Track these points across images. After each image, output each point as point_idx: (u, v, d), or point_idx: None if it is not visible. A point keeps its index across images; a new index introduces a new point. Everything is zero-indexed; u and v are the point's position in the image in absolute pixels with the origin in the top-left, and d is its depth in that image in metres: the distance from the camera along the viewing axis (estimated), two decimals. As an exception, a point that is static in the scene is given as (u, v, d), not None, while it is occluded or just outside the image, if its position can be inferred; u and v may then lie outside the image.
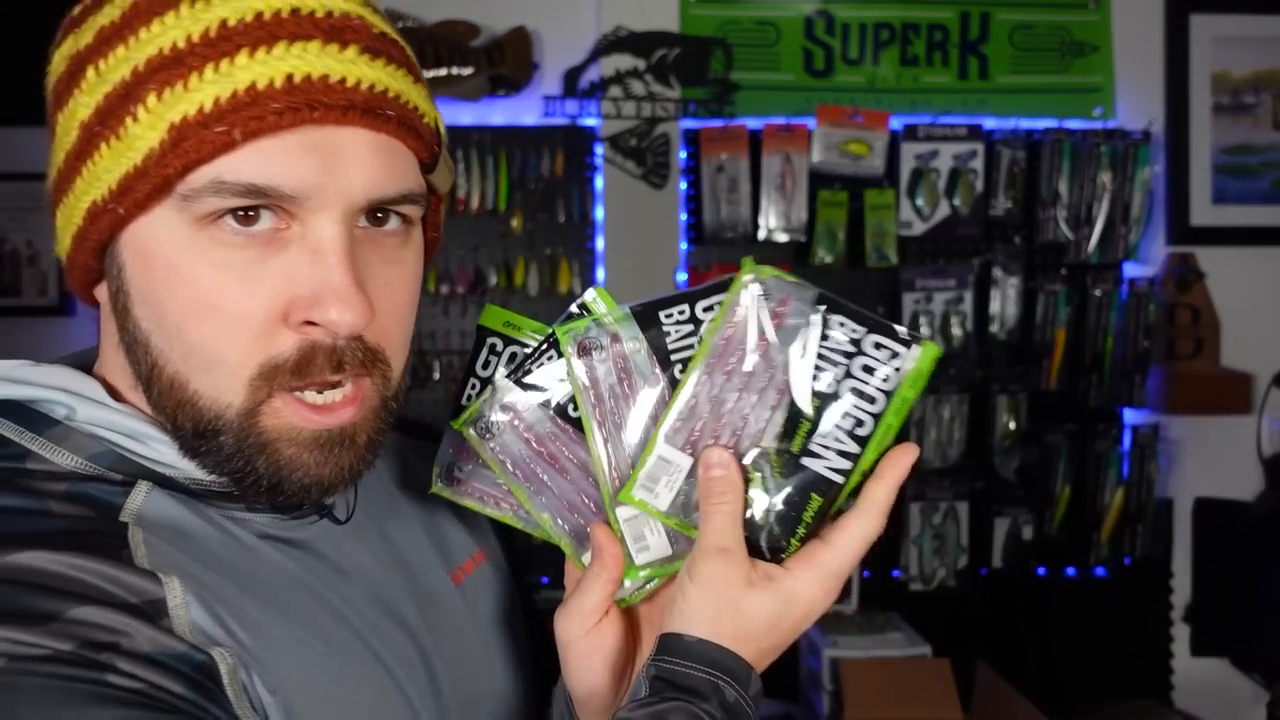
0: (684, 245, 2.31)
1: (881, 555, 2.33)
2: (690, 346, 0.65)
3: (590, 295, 0.67)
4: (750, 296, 0.65)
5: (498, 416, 0.67)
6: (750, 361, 0.64)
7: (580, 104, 2.28)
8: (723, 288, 0.66)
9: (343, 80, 0.57)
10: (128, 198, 0.56)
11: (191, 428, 0.59)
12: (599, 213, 2.28)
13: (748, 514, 0.64)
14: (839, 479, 0.63)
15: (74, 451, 0.61)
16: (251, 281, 0.57)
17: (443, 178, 0.66)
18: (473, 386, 0.71)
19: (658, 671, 0.62)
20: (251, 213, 0.57)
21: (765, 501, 0.64)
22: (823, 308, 0.64)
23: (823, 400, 0.63)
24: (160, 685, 0.53)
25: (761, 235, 2.26)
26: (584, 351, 0.65)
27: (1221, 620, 2.34)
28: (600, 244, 2.29)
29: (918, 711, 1.85)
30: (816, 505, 0.63)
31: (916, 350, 0.63)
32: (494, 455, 0.67)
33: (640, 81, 2.29)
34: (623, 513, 0.66)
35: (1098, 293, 2.28)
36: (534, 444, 0.67)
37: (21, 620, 0.52)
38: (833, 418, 0.63)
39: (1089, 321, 2.29)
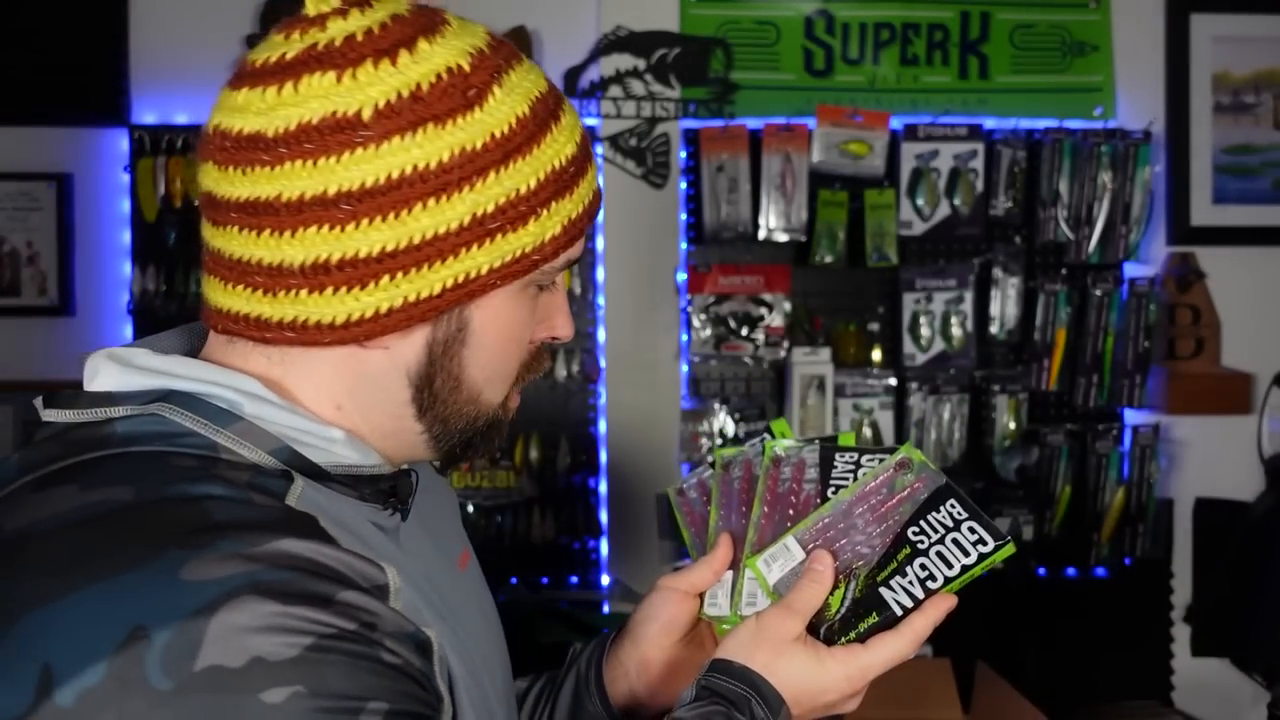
0: (684, 245, 2.31)
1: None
2: (846, 483, 0.88)
3: (780, 427, 0.99)
4: (899, 467, 0.86)
5: (736, 468, 0.96)
6: (882, 509, 0.86)
7: (580, 104, 2.28)
8: (888, 451, 0.88)
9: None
10: (508, 271, 0.70)
11: (463, 424, 0.74)
12: (599, 213, 2.28)
13: (825, 607, 0.83)
14: (898, 611, 0.82)
15: (257, 445, 0.67)
16: (533, 319, 0.76)
17: None
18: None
19: (706, 682, 0.80)
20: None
21: (840, 604, 0.84)
22: (944, 493, 0.84)
23: (913, 553, 0.84)
24: (410, 661, 0.62)
25: (761, 235, 2.26)
26: (776, 463, 0.92)
27: (1222, 620, 2.34)
28: (600, 244, 2.29)
29: (918, 712, 1.85)
30: (872, 621, 0.83)
31: (1000, 546, 0.82)
32: (721, 486, 0.97)
33: (640, 81, 2.29)
34: (748, 573, 0.89)
35: (1098, 293, 2.28)
36: (740, 494, 0.95)
37: (311, 602, 0.58)
38: (914, 568, 0.83)
39: (1089, 321, 2.28)
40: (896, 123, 2.29)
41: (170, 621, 0.55)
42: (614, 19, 2.28)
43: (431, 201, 0.66)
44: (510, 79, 0.69)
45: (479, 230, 0.68)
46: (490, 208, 0.68)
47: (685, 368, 2.30)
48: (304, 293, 0.67)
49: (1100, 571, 2.34)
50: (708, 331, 2.25)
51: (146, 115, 2.26)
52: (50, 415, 0.68)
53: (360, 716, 0.57)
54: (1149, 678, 2.38)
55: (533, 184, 0.69)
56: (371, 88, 0.65)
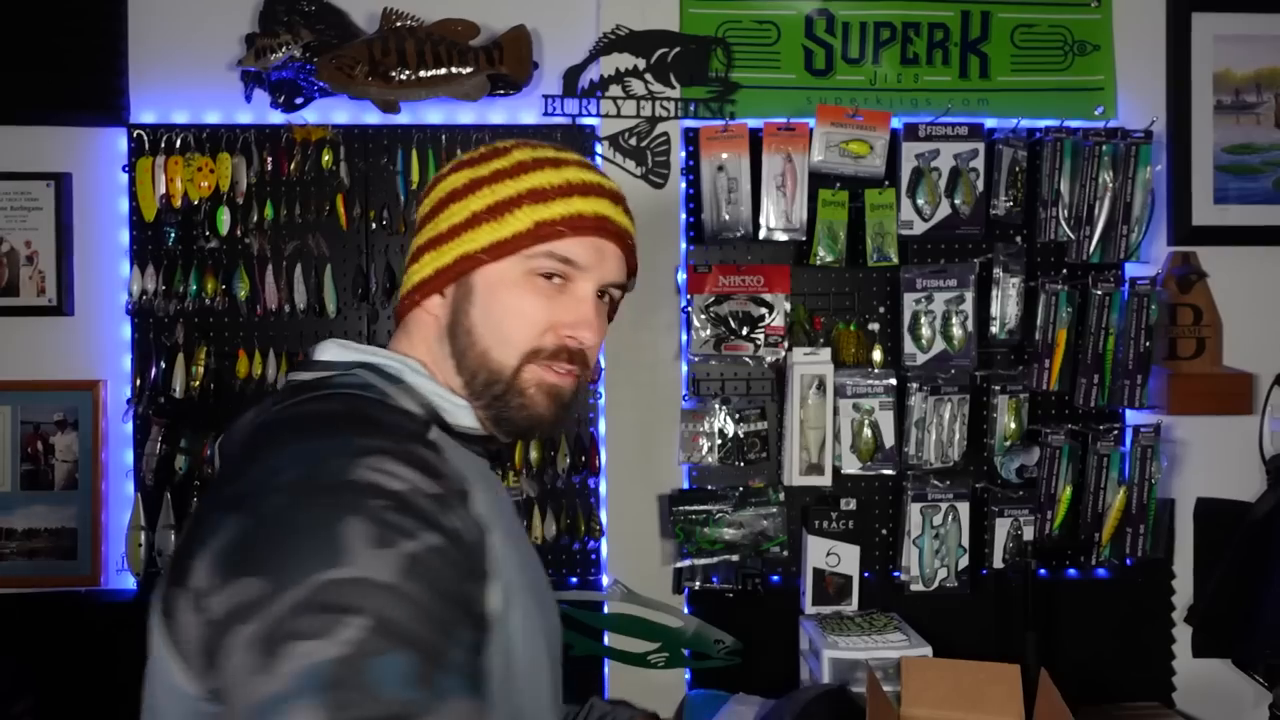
0: (684, 245, 2.30)
1: (882, 556, 2.32)
2: None
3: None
4: None
5: None
6: None
7: (580, 103, 2.27)
8: None
9: (616, 221, 1.10)
10: (495, 250, 1.05)
11: (484, 379, 1.06)
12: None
13: None
14: None
15: (411, 400, 1.04)
16: (546, 306, 1.06)
17: (630, 283, 1.16)
18: None
19: None
20: (555, 277, 1.06)
21: None
22: None
23: None
24: (465, 531, 0.91)
25: (762, 235, 2.25)
26: None
27: (1223, 621, 2.34)
28: (600, 244, 2.28)
29: (979, 714, 1.82)
30: None
31: None
32: None
33: (640, 81, 2.28)
34: None
35: (1099, 293, 2.27)
36: None
37: (428, 473, 0.91)
38: None
39: (1090, 321, 2.28)
40: (897, 122, 2.29)
41: (343, 454, 0.89)
42: (614, 19, 2.27)
43: (451, 207, 1.09)
44: (534, 151, 1.09)
45: (474, 223, 1.07)
46: (481, 208, 1.07)
47: (685, 368, 2.30)
48: (405, 275, 1.12)
49: (1101, 572, 2.34)
50: (708, 331, 2.25)
51: (145, 115, 2.26)
52: (295, 375, 1.06)
53: (416, 537, 0.85)
54: (1150, 678, 2.37)
55: (512, 195, 1.06)
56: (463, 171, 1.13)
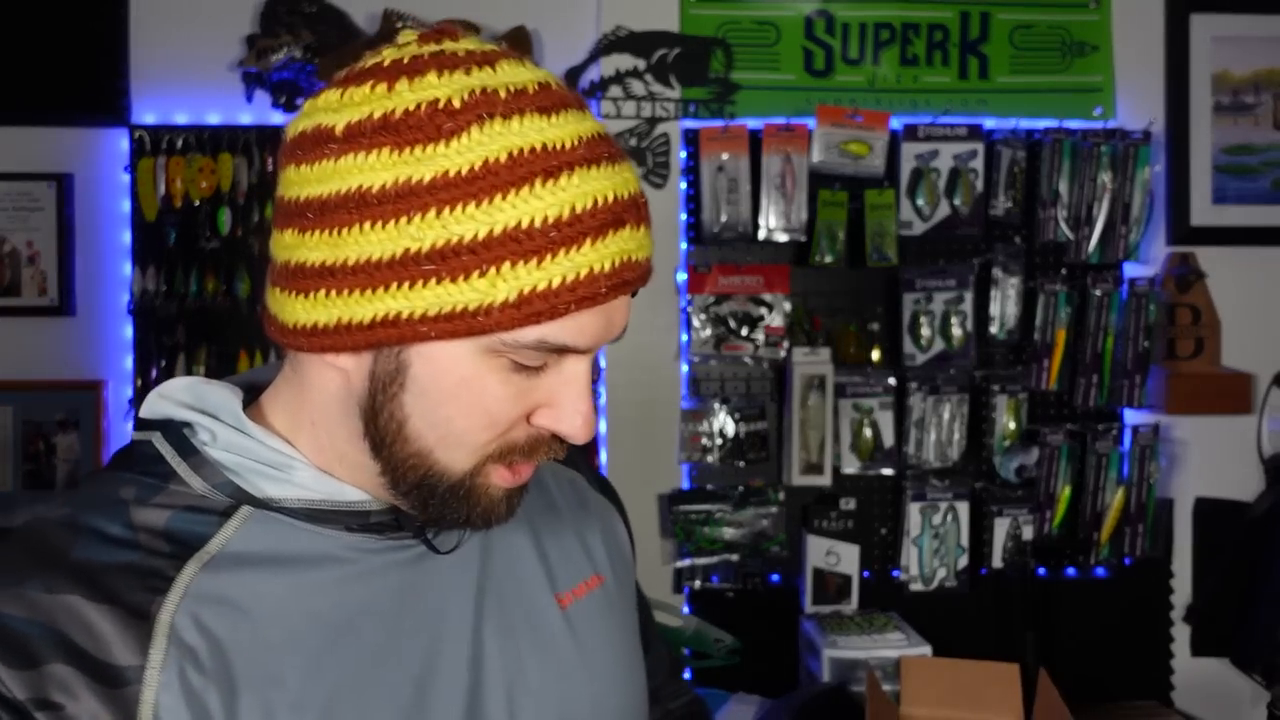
0: (684, 245, 2.31)
1: (881, 555, 2.33)
2: None
3: None
4: None
5: None
6: None
7: (580, 104, 2.27)
8: None
9: (639, 259, 0.69)
10: (444, 326, 0.65)
11: (417, 479, 0.71)
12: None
13: None
14: None
15: (205, 478, 0.72)
16: (521, 397, 0.70)
17: None
18: None
19: None
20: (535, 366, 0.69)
21: None
22: None
23: None
24: None
25: (761, 235, 2.26)
26: None
27: (1222, 620, 2.34)
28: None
29: (978, 714, 1.82)
30: None
31: None
32: None
33: (640, 81, 2.29)
34: None
35: (1098, 293, 2.28)
36: None
37: (14, 659, 0.64)
38: None
39: (1089, 321, 2.28)
40: (896, 123, 2.29)
41: None
42: (614, 19, 2.28)
43: (367, 225, 0.65)
44: (505, 125, 0.65)
45: (412, 270, 0.65)
46: (425, 247, 0.64)
47: (685, 368, 2.30)
48: (278, 290, 0.71)
49: (1100, 571, 2.34)
50: (708, 331, 2.25)
51: (146, 115, 2.26)
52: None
53: None
54: (1149, 678, 2.38)
55: (480, 235, 0.64)
56: (356, 107, 0.66)
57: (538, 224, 0.64)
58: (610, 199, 0.67)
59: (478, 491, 0.72)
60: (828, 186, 2.27)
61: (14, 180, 2.26)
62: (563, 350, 0.68)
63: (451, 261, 0.64)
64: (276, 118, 2.25)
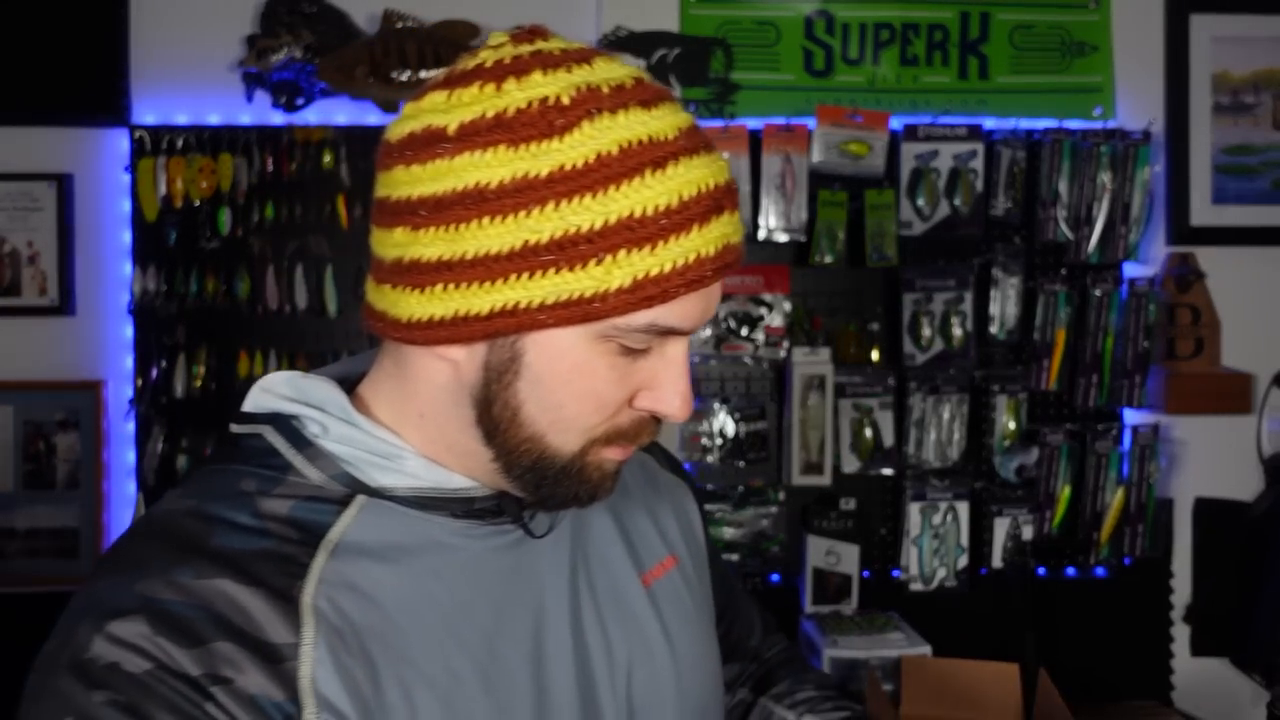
0: (684, 245, 2.30)
1: (881, 555, 2.33)
2: None
3: None
4: None
5: None
6: None
7: (580, 104, 2.27)
8: None
9: (735, 243, 0.74)
10: (561, 313, 0.69)
11: (530, 462, 0.75)
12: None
13: None
14: None
15: (321, 469, 0.75)
16: (625, 380, 0.73)
17: None
18: None
19: None
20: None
21: None
22: None
23: None
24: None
25: (761, 235, 2.26)
26: None
27: (1221, 620, 2.34)
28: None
29: (978, 714, 1.82)
30: None
31: None
32: None
33: (640, 81, 2.28)
34: None
35: (1098, 293, 2.28)
36: None
37: (182, 639, 0.67)
38: None
39: (1089, 321, 2.29)
40: (896, 123, 2.30)
41: (97, 615, 0.68)
42: (614, 19, 2.28)
43: (486, 220, 0.68)
44: (613, 119, 0.68)
45: (531, 260, 0.68)
46: (544, 238, 0.67)
47: (685, 368, 2.30)
48: (388, 287, 0.74)
49: (1100, 571, 2.34)
50: (708, 331, 2.25)
51: (147, 115, 2.26)
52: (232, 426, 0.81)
53: None
54: (1149, 678, 2.38)
55: (596, 225, 0.67)
56: (466, 107, 0.69)
57: (649, 212, 0.68)
58: (711, 186, 0.71)
59: (587, 471, 0.76)
60: (828, 186, 2.27)
61: (14, 180, 2.26)
62: (669, 332, 0.72)
63: (569, 251, 0.67)
64: (276, 118, 2.25)
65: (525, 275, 0.68)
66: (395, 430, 0.78)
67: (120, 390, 2.27)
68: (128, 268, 2.24)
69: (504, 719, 0.75)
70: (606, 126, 0.68)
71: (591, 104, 0.68)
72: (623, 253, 0.67)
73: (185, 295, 2.21)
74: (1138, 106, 2.38)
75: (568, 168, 0.67)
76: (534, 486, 0.76)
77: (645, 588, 0.88)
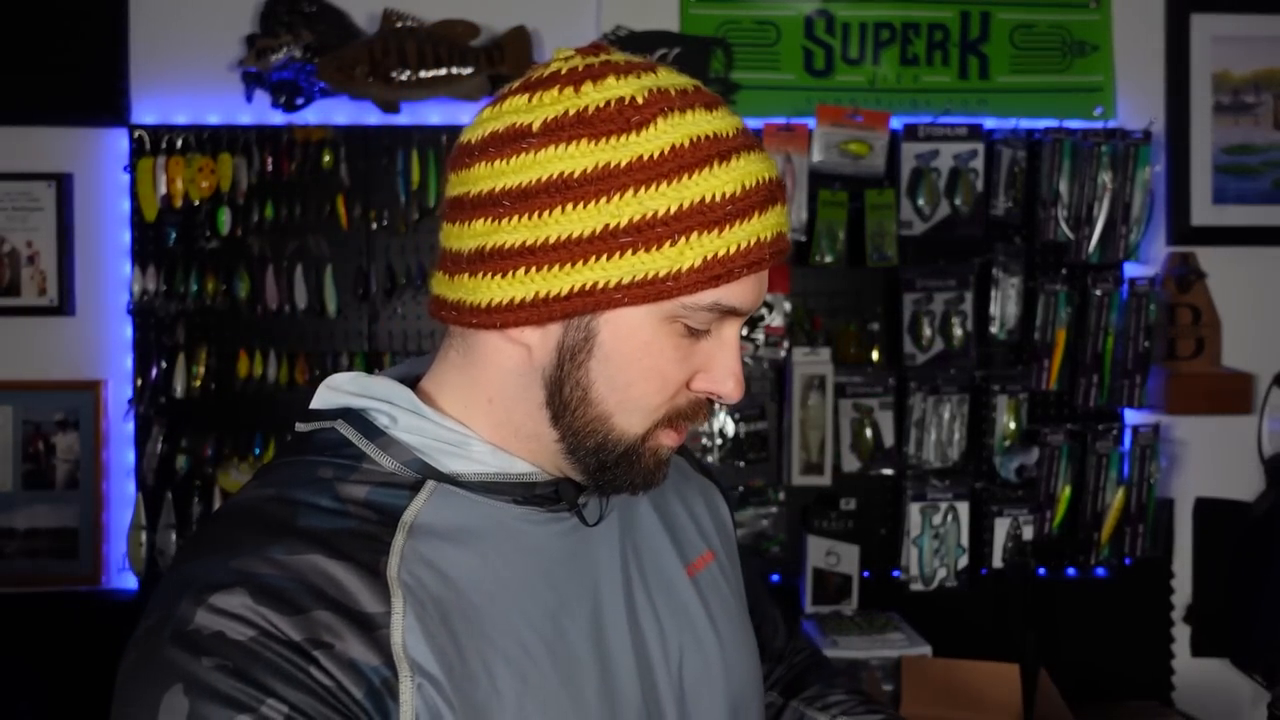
0: (684, 245, 2.30)
1: (881, 555, 2.33)
2: None
3: None
4: None
5: None
6: None
7: (580, 104, 2.27)
8: None
9: (785, 232, 0.80)
10: (636, 292, 0.75)
11: (595, 443, 0.80)
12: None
13: None
14: None
15: (394, 457, 0.80)
16: (686, 360, 0.79)
17: None
18: None
19: None
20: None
21: None
22: None
23: None
24: (345, 687, 0.70)
25: (762, 235, 2.25)
26: None
27: (1222, 620, 2.34)
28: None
29: (978, 714, 1.82)
30: None
31: None
32: None
33: (640, 81, 2.28)
34: None
35: (1098, 293, 2.28)
36: None
37: (282, 607, 0.71)
38: None
39: (1089, 321, 2.28)
40: (896, 123, 2.29)
41: (197, 590, 0.71)
42: (614, 19, 2.28)
43: (569, 206, 0.74)
44: (682, 117, 0.75)
45: (610, 243, 0.74)
46: (623, 222, 0.74)
47: (685, 368, 2.30)
48: (465, 276, 0.79)
49: (1100, 571, 2.34)
50: (708, 331, 2.25)
51: (146, 115, 2.26)
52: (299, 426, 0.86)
53: (260, 707, 0.68)
54: (1149, 678, 2.38)
55: (672, 209, 0.74)
56: (549, 106, 0.76)
57: (718, 198, 0.75)
58: (766, 179, 0.78)
59: (646, 455, 0.81)
60: (828, 186, 2.27)
61: (14, 180, 2.26)
62: (730, 312, 0.78)
63: (646, 233, 0.74)
64: (276, 118, 2.25)
65: (604, 256, 0.74)
66: (461, 420, 0.83)
67: (120, 390, 2.26)
68: (127, 268, 2.24)
69: (574, 693, 0.79)
70: (677, 123, 0.75)
71: (663, 103, 0.75)
72: (695, 234, 0.74)
73: (185, 295, 2.21)
74: (1138, 106, 2.38)
75: (645, 158, 0.74)
76: (597, 468, 0.80)
77: (690, 578, 0.92)
